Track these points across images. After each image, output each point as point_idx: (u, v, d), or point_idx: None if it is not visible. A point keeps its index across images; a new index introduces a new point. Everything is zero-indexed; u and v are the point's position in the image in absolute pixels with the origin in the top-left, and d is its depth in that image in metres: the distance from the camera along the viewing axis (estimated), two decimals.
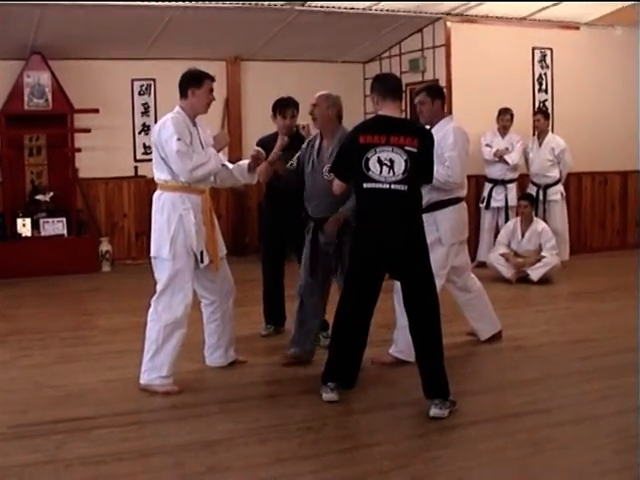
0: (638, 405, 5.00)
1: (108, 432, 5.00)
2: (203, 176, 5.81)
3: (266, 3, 10.32)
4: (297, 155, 6.50)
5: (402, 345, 6.27)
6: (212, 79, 5.94)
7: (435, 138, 6.14)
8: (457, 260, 6.68)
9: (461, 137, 6.52)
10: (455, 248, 6.59)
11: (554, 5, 11.06)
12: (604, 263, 11.48)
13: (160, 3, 9.90)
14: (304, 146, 6.51)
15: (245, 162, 6.23)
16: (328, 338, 6.23)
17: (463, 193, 6.67)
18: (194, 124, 5.90)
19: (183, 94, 5.88)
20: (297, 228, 7.02)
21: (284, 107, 7.23)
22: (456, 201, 6.55)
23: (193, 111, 5.90)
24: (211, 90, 5.92)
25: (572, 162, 11.25)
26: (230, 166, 6.20)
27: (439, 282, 6.12)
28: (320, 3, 10.53)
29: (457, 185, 6.49)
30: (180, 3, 9.97)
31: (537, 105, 11.82)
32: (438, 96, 6.64)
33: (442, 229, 6.45)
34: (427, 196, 6.24)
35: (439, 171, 6.25)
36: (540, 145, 11.16)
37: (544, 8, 11.28)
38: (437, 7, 11.03)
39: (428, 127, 6.53)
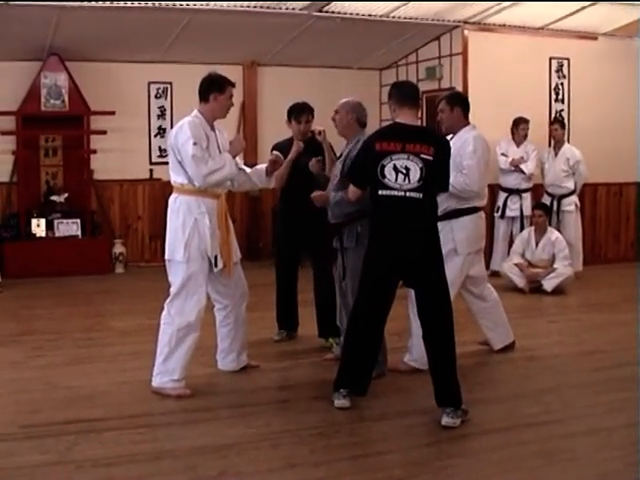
0: (637, 420, 4.99)
1: (119, 434, 5.00)
2: (218, 181, 5.81)
3: (284, 7, 10.33)
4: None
5: (416, 354, 6.24)
6: (233, 85, 5.96)
7: (455, 146, 6.12)
8: (474, 270, 6.66)
9: (481, 146, 6.49)
10: (471, 257, 6.57)
11: (587, 7, 11.00)
12: (618, 274, 11.42)
13: (178, 6, 9.93)
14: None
15: (263, 166, 6.25)
16: (340, 345, 6.23)
17: (482, 203, 6.64)
18: (212, 128, 5.91)
19: (204, 98, 5.89)
20: (311, 233, 7.03)
21: (299, 112, 7.24)
22: (473, 210, 6.52)
23: (212, 116, 5.91)
24: (231, 96, 5.95)
25: (587, 173, 11.22)
26: (248, 170, 6.21)
27: (453, 291, 6.11)
28: (338, 8, 10.53)
29: (474, 194, 6.45)
30: (198, 7, 10.00)
31: (554, 115, 11.80)
32: (458, 104, 6.59)
33: (458, 238, 6.42)
34: (444, 204, 6.22)
35: (457, 179, 6.24)
36: (556, 155, 11.13)
37: (562, 18, 11.27)
38: (455, 15, 11.03)
39: (450, 135, 6.53)
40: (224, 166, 5.77)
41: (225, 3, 10.06)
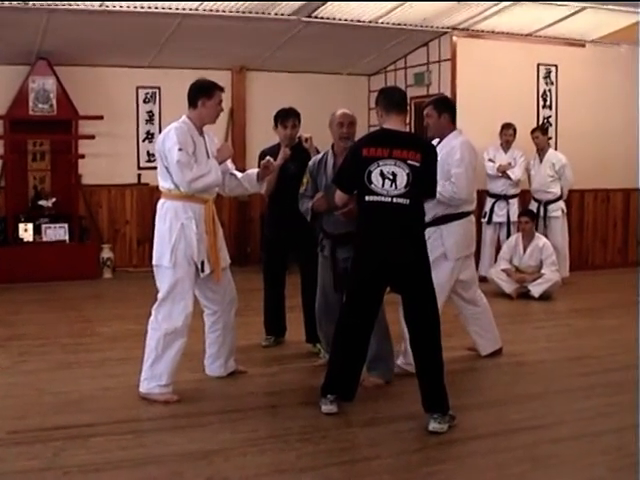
0: (636, 423, 5.00)
1: (107, 440, 5.00)
2: (202, 188, 5.79)
3: (273, 13, 10.33)
4: (305, 178, 6.35)
5: (411, 358, 6.21)
6: (222, 90, 5.95)
7: (442, 152, 6.12)
8: (464, 274, 6.68)
9: (469, 153, 6.48)
10: (460, 263, 6.58)
11: (574, 14, 11.04)
12: (605, 280, 11.48)
13: (167, 11, 9.93)
14: (311, 164, 6.38)
15: (254, 171, 6.24)
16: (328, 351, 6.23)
17: (471, 208, 6.65)
18: (201, 134, 5.91)
19: (192, 104, 5.88)
20: (299, 239, 7.03)
21: (284, 117, 7.24)
22: (463, 215, 6.53)
23: (201, 121, 5.91)
24: (220, 101, 5.94)
25: (573, 178, 11.23)
26: (239, 175, 6.21)
27: (443, 297, 6.12)
28: (327, 14, 10.54)
29: (462, 201, 6.46)
30: (187, 12, 9.99)
31: (541, 121, 11.83)
32: (445, 109, 6.58)
33: (447, 244, 6.44)
34: (433, 210, 6.23)
35: (445, 187, 6.24)
36: (541, 161, 11.16)
37: (550, 24, 11.32)
38: (443, 21, 11.05)
39: (436, 140, 6.53)
40: (209, 173, 5.76)
41: (215, 7, 10.05)
